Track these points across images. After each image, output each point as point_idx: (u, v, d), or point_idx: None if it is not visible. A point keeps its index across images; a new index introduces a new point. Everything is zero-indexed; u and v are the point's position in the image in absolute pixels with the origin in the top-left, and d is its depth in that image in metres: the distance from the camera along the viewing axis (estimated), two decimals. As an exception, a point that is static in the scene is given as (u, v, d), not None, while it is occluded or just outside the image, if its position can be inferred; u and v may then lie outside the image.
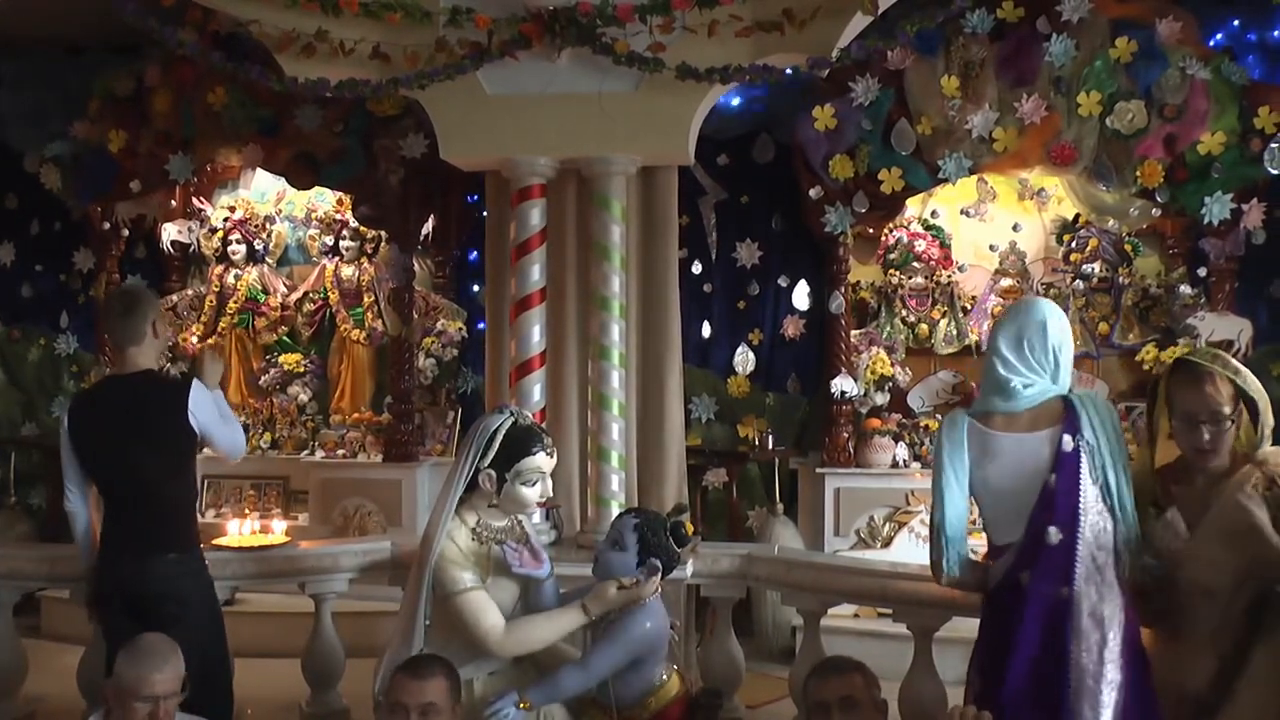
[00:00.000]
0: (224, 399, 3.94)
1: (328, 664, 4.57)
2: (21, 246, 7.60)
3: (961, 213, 6.65)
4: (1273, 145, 5.49)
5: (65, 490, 3.80)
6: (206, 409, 3.74)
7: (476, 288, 7.00)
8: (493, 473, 3.12)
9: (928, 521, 5.86)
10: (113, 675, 2.98)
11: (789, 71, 4.21)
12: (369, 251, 7.10)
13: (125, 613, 3.58)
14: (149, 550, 3.63)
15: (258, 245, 7.25)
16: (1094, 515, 2.93)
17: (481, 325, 5.89)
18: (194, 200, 7.05)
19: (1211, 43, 5.87)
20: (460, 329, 6.81)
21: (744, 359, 6.74)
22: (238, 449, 3.90)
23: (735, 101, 6.41)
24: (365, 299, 7.04)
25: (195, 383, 3.77)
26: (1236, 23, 6.13)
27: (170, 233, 7.18)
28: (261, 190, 7.25)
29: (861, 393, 6.16)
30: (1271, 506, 2.84)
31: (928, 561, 3.28)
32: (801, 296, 6.72)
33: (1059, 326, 3.09)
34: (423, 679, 2.76)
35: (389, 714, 2.79)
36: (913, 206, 6.46)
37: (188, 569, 3.69)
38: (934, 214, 6.67)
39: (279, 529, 5.04)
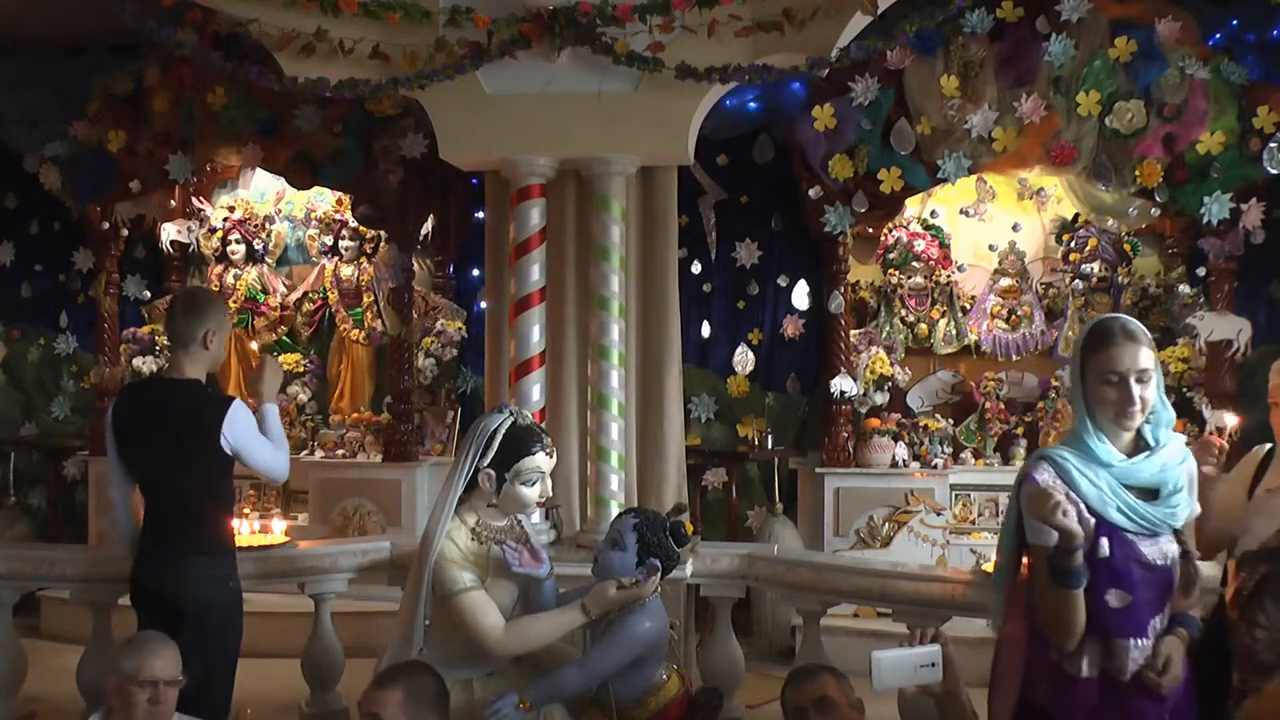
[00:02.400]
0: (276, 415, 3.79)
1: (327, 664, 4.57)
2: (21, 246, 7.62)
3: (961, 212, 6.66)
4: (1271, 145, 5.50)
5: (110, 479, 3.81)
6: (242, 431, 3.65)
7: (476, 272, 6.98)
8: (492, 472, 3.11)
9: (927, 520, 5.94)
10: (114, 670, 3.00)
11: (790, 72, 4.20)
12: (368, 251, 7.10)
13: (149, 610, 3.59)
14: (176, 552, 3.63)
15: (257, 245, 7.25)
16: None
17: (479, 309, 5.80)
18: (193, 200, 7.06)
19: (1210, 43, 5.88)
20: (460, 329, 6.81)
21: (743, 359, 6.74)
22: (275, 472, 3.78)
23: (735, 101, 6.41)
24: (364, 299, 7.05)
25: (236, 404, 3.68)
26: (1235, 23, 6.13)
27: (169, 233, 7.18)
28: (261, 190, 7.25)
29: (861, 392, 6.16)
30: None
31: (931, 561, 3.28)
32: (801, 296, 6.73)
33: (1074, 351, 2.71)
34: (377, 688, 2.76)
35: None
36: (912, 206, 6.47)
37: (215, 574, 3.67)
38: (933, 214, 6.67)
39: (278, 529, 5.04)
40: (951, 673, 2.50)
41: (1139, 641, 2.54)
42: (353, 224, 6.93)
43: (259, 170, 6.55)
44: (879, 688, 2.48)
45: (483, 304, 5.87)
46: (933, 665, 2.48)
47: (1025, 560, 2.66)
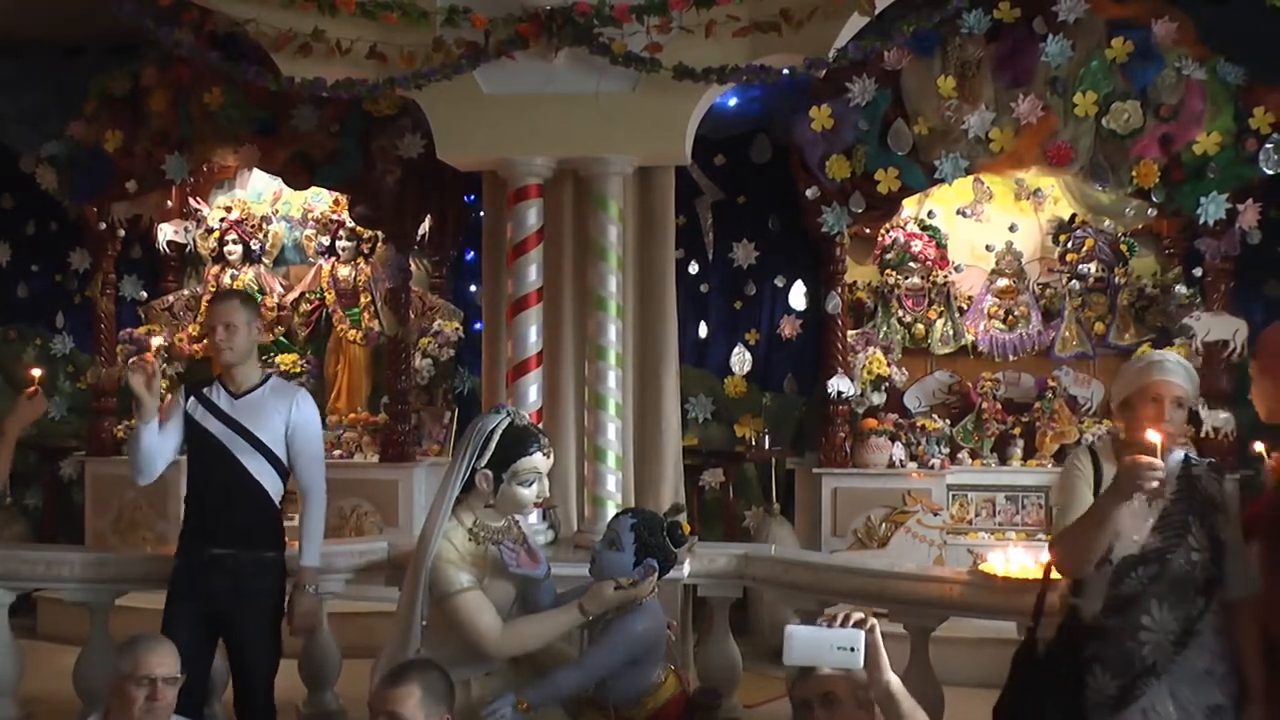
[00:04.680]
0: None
1: (324, 665, 4.56)
2: (17, 246, 7.60)
3: (958, 213, 6.66)
4: (1268, 145, 5.52)
5: None
6: None
7: (474, 288, 7.02)
8: (489, 473, 3.11)
9: (924, 520, 5.93)
10: (111, 671, 3.00)
11: (785, 71, 4.20)
12: (365, 252, 7.09)
13: None
14: None
15: (254, 245, 7.24)
16: None
17: (478, 326, 5.89)
18: (190, 200, 7.03)
19: (1207, 43, 5.88)
20: (457, 329, 6.81)
21: (741, 359, 6.75)
22: None
23: (732, 102, 6.41)
24: (362, 299, 7.03)
25: None
26: (1231, 23, 6.13)
27: (166, 233, 7.16)
28: (258, 190, 7.23)
29: (858, 393, 6.16)
30: None
31: (928, 561, 3.27)
32: (798, 296, 6.74)
33: None
34: (391, 686, 2.75)
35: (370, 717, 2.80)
36: (909, 207, 6.47)
37: None
38: (930, 214, 6.68)
39: (275, 529, 5.02)
40: (875, 662, 2.45)
41: None
42: (350, 224, 6.92)
43: (256, 170, 6.54)
44: (788, 661, 2.46)
45: (479, 301, 5.86)
46: (851, 650, 2.42)
47: None
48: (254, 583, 3.86)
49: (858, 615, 2.48)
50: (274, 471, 3.90)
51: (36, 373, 4.03)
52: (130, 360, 3.86)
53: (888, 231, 6.56)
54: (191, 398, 3.93)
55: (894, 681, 2.46)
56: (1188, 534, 2.87)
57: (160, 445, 3.87)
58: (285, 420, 3.89)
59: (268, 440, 3.86)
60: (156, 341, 3.75)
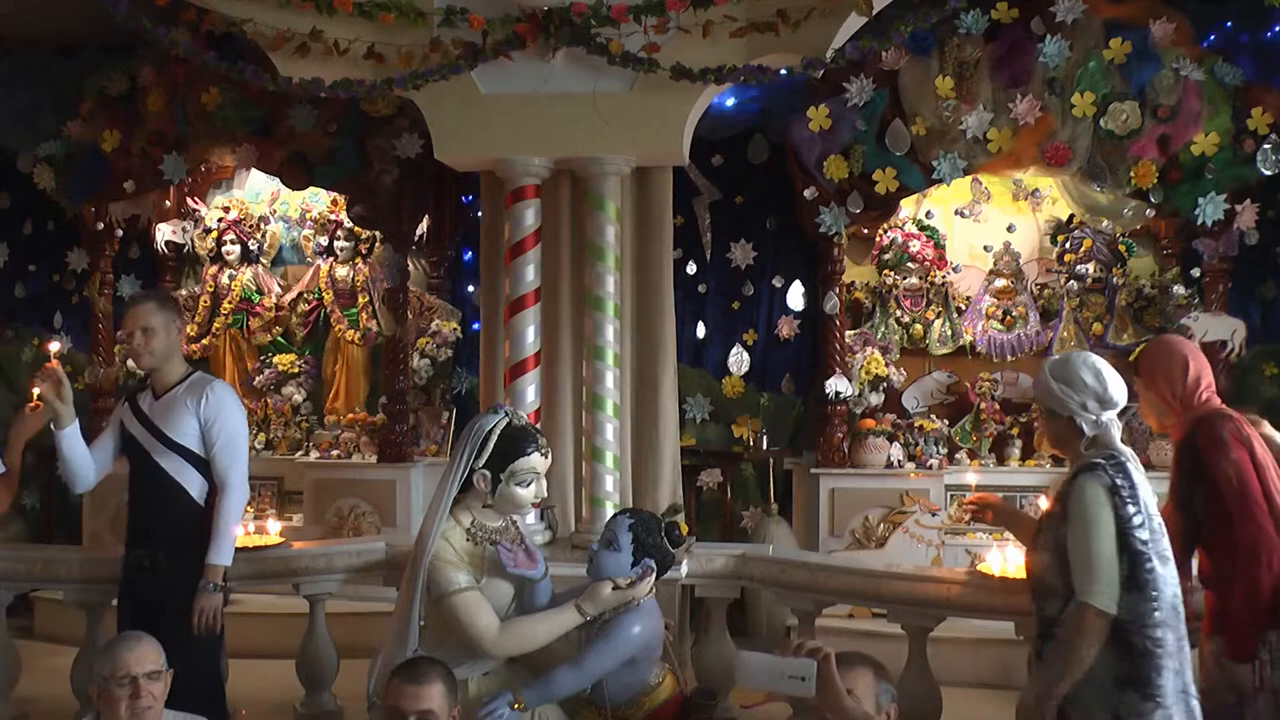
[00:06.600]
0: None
1: (321, 665, 4.56)
2: (14, 246, 7.59)
3: (956, 213, 6.67)
4: (1265, 146, 5.52)
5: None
6: None
7: (471, 288, 7.02)
8: (487, 473, 3.11)
9: (922, 520, 5.93)
10: (93, 675, 2.97)
11: (783, 72, 4.20)
12: (363, 252, 7.09)
13: None
14: None
15: (252, 245, 7.25)
16: None
17: (476, 326, 5.88)
18: (188, 200, 7.05)
19: (1204, 44, 5.89)
20: (454, 329, 6.81)
21: (738, 359, 6.74)
22: None
23: (730, 102, 6.41)
24: (360, 299, 7.04)
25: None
26: (1229, 24, 6.14)
27: (164, 233, 7.17)
28: (255, 190, 7.24)
29: (856, 393, 6.17)
30: None
31: (925, 562, 3.29)
32: (796, 297, 6.73)
33: None
34: (420, 685, 2.74)
35: (386, 719, 2.77)
36: (907, 207, 6.48)
37: None
38: (928, 214, 6.68)
39: (273, 529, 5.02)
40: (831, 692, 2.42)
41: None
42: (348, 224, 6.92)
43: (254, 170, 6.54)
44: (739, 685, 2.47)
45: (475, 300, 5.86)
46: (803, 679, 2.41)
47: None
48: (175, 583, 3.75)
49: (812, 644, 2.45)
50: (195, 470, 3.79)
51: (54, 347, 3.93)
52: (36, 374, 3.79)
53: (885, 232, 6.56)
54: (126, 404, 3.92)
55: (853, 708, 2.44)
56: (1039, 535, 3.02)
57: (93, 453, 3.85)
58: (197, 415, 3.76)
59: (181, 439, 3.77)
60: (54, 346, 3.70)
